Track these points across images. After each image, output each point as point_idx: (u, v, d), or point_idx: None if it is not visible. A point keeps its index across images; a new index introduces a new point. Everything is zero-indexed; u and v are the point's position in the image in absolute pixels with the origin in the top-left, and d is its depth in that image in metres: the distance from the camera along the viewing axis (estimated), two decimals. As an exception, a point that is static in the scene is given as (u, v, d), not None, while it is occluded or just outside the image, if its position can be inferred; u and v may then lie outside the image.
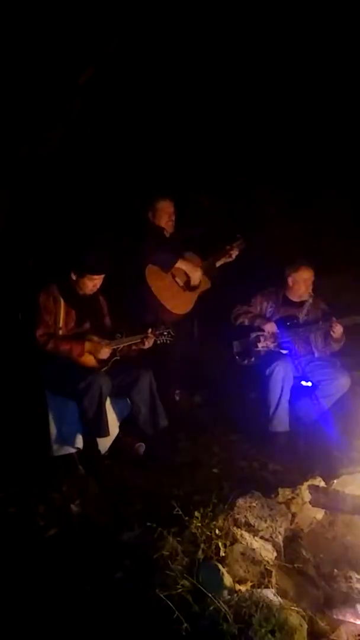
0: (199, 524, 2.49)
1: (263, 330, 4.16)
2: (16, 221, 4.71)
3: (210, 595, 2.08)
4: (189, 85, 4.99)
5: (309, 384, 4.10)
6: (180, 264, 4.31)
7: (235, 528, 2.55)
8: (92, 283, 3.70)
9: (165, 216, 4.43)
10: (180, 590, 2.13)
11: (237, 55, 4.86)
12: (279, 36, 4.71)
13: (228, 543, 2.43)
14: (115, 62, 4.48)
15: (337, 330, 4.04)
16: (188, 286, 4.40)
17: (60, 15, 3.96)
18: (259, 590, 2.18)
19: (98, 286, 3.73)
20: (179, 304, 4.31)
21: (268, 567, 2.35)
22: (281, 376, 3.92)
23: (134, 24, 4.29)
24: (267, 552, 2.45)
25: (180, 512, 2.54)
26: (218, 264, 4.59)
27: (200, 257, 4.50)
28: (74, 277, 3.68)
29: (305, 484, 2.94)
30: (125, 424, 3.80)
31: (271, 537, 2.58)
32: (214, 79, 4.99)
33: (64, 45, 4.09)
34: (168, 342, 3.90)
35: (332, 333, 4.06)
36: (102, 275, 3.70)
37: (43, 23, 3.96)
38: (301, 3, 4.51)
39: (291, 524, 2.73)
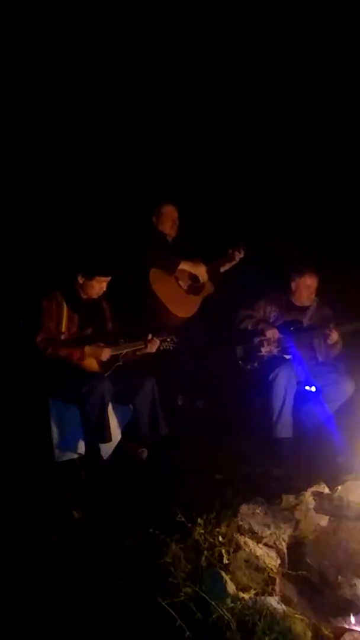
0: (202, 531, 2.48)
1: (266, 335, 4.15)
2: (19, 227, 4.72)
3: (213, 602, 2.06)
4: (191, 89, 5.01)
5: (313, 389, 4.08)
6: (184, 265, 4.31)
7: (238, 535, 2.53)
8: (100, 286, 3.71)
9: (169, 221, 4.43)
10: (183, 597, 2.11)
11: (237, 59, 4.88)
12: (280, 40, 4.73)
13: (231, 550, 2.42)
14: (117, 66, 4.50)
15: (333, 337, 4.04)
16: (192, 290, 4.40)
17: (61, 17, 3.97)
18: (262, 597, 2.17)
19: (104, 289, 3.74)
20: (182, 307, 4.30)
21: (272, 575, 2.33)
22: (284, 381, 3.90)
23: (136, 28, 4.30)
24: (270, 559, 2.43)
25: (183, 519, 2.53)
26: (222, 269, 4.59)
27: (203, 261, 4.50)
28: (80, 281, 3.68)
29: (309, 490, 2.92)
30: (127, 429, 3.79)
31: (275, 544, 2.56)
32: (216, 82, 5.00)
33: (65, 51, 4.10)
34: (171, 348, 3.89)
35: (328, 340, 4.06)
36: (109, 278, 3.70)
37: (44, 25, 3.97)
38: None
39: (295, 531, 2.71)
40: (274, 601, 2.14)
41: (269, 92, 5.03)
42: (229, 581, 2.23)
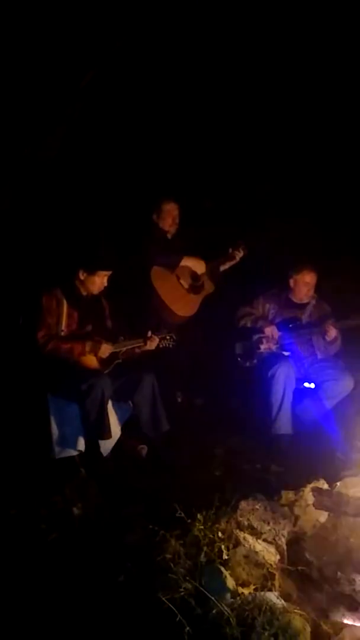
0: (202, 527, 2.48)
1: (265, 332, 4.15)
2: (19, 224, 4.71)
3: (213, 598, 2.07)
4: (191, 87, 5.00)
5: (312, 385, 4.09)
6: (186, 261, 4.31)
7: (238, 531, 2.54)
8: (101, 281, 3.71)
9: (169, 218, 4.43)
10: (182, 593, 2.12)
11: (239, 58, 4.87)
12: (280, 38, 4.72)
13: (231, 546, 2.42)
14: (117, 65, 4.48)
15: (331, 333, 4.05)
16: (193, 289, 4.40)
17: (61, 18, 3.96)
18: (262, 593, 2.17)
19: (105, 284, 3.74)
20: (183, 306, 4.30)
21: (271, 570, 2.34)
22: (283, 378, 3.91)
23: (135, 27, 4.29)
24: (270, 555, 2.44)
25: (183, 515, 2.54)
26: (222, 268, 4.58)
27: (203, 260, 4.49)
28: (82, 277, 3.68)
29: (309, 486, 2.93)
30: (127, 426, 3.79)
31: (274, 539, 2.57)
32: (216, 81, 5.00)
33: (65, 48, 4.09)
34: (170, 346, 3.90)
35: (325, 337, 4.07)
36: (111, 272, 3.71)
37: (44, 26, 3.96)
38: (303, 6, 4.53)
39: (294, 527, 2.72)
40: (273, 596, 2.14)
41: (270, 92, 5.02)
42: (228, 577, 2.24)
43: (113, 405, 3.66)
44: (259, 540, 2.52)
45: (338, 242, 5.03)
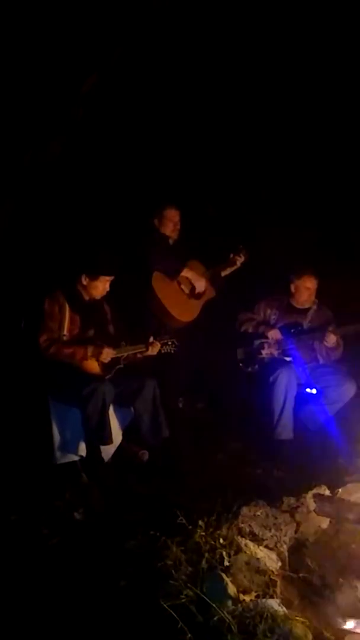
0: (203, 533, 2.47)
1: (267, 337, 4.16)
2: (21, 229, 4.73)
3: (214, 605, 2.06)
4: (193, 93, 5.02)
5: (314, 391, 4.09)
6: (186, 273, 4.31)
7: (239, 537, 2.52)
8: (104, 286, 3.72)
9: (170, 224, 4.42)
10: (183, 600, 2.11)
11: (240, 66, 4.89)
12: (280, 48, 4.75)
13: (232, 552, 2.41)
14: (118, 70, 4.50)
15: (330, 340, 4.05)
16: (193, 294, 4.40)
17: (63, 22, 3.98)
18: (263, 600, 2.16)
19: (107, 289, 3.74)
20: (184, 311, 4.30)
21: (273, 577, 2.32)
22: (285, 383, 3.91)
23: (137, 32, 4.31)
24: (271, 562, 2.43)
25: (184, 521, 2.53)
26: (223, 273, 4.58)
27: (204, 265, 4.50)
28: (84, 282, 3.69)
29: (310, 493, 2.92)
30: (128, 432, 3.79)
31: (276, 546, 2.55)
32: (218, 87, 5.02)
33: (66, 53, 4.11)
34: (172, 351, 3.89)
35: (325, 342, 4.07)
36: (113, 277, 3.71)
37: (45, 30, 3.98)
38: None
39: (296, 533, 2.70)
40: (274, 603, 2.13)
41: (270, 99, 5.04)
42: (229, 583, 2.22)
43: (114, 410, 3.65)
44: (260, 547, 2.50)
45: (339, 247, 5.03)
